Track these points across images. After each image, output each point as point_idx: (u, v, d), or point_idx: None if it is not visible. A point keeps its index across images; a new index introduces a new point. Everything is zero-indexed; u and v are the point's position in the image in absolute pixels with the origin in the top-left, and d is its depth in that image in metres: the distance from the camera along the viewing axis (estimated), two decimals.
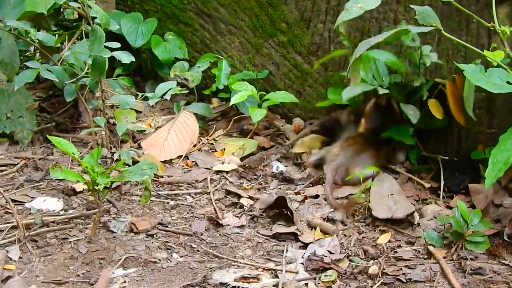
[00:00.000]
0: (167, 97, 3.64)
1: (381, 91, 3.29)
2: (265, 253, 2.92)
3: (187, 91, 3.93)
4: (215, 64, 3.96)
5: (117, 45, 3.36)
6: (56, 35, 3.86)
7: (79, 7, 3.36)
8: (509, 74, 2.79)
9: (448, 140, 3.39)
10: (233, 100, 3.64)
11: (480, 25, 3.13)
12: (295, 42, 3.82)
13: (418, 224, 3.08)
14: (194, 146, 3.73)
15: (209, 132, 3.89)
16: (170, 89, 3.65)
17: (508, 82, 2.74)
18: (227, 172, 3.54)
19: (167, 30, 4.16)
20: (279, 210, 3.16)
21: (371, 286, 2.69)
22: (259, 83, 3.90)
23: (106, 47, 3.31)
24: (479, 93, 3.23)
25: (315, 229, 3.05)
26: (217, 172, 3.54)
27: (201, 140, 3.80)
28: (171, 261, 2.84)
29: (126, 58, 3.38)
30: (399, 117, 3.40)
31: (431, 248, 2.89)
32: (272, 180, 3.48)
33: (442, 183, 3.33)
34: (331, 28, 3.66)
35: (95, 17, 3.27)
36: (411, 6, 2.84)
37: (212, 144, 3.79)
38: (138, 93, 3.85)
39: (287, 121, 3.93)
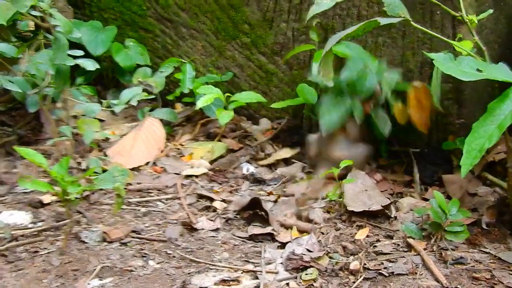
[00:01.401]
0: (133, 103, 3.53)
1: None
2: (243, 255, 2.83)
3: (151, 98, 3.83)
4: (178, 69, 3.87)
5: (80, 53, 3.26)
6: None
7: (39, 16, 3.24)
8: (479, 62, 2.74)
9: (418, 132, 3.33)
10: (199, 104, 3.55)
11: (445, 16, 3.10)
12: (258, 43, 3.75)
13: (395, 218, 3.02)
14: (161, 152, 3.63)
15: (176, 137, 3.80)
16: (135, 95, 3.54)
17: (478, 70, 2.70)
18: (197, 176, 3.45)
19: (128, 37, 4.06)
20: (253, 211, 3.08)
21: (353, 282, 2.62)
22: (224, 85, 3.82)
23: (69, 55, 3.19)
24: (446, 84, 3.19)
25: (291, 229, 2.97)
26: (187, 176, 3.45)
27: (168, 145, 3.70)
28: (147, 269, 2.73)
29: (91, 65, 3.27)
30: None
31: (410, 240, 2.83)
32: (243, 182, 3.41)
33: (417, 175, 3.28)
34: (294, 27, 3.60)
35: (57, 25, 3.15)
36: None
37: (179, 149, 3.70)
38: (102, 100, 3.74)
39: (253, 122, 3.85)
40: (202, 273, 2.70)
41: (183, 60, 3.85)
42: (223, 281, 2.65)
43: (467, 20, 2.80)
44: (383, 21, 2.74)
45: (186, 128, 3.87)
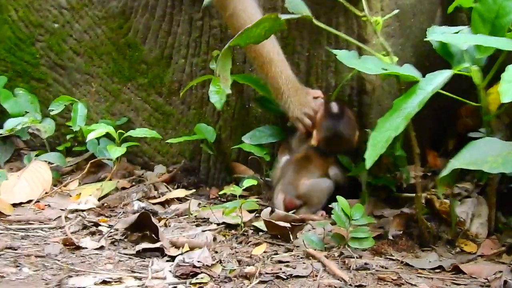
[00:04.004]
0: (18, 126, 3.31)
1: None
2: (129, 268, 2.57)
3: (39, 144, 3.64)
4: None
5: None
6: None
7: None
8: (383, 61, 2.69)
9: None
10: (89, 137, 3.37)
11: (352, 18, 3.06)
12: (155, 82, 3.63)
13: (296, 237, 2.82)
14: (46, 193, 3.39)
15: (64, 183, 3.56)
16: (20, 123, 3.33)
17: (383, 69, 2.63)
18: (83, 211, 3.19)
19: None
20: (142, 233, 2.83)
21: (247, 286, 2.38)
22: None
23: None
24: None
25: (183, 247, 2.74)
26: (73, 211, 3.19)
27: (54, 189, 3.46)
28: (21, 275, 2.46)
29: None
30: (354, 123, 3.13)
31: (310, 250, 2.63)
32: (134, 214, 3.16)
33: None
34: (193, 62, 3.49)
35: None
36: None
37: (67, 191, 3.46)
38: None
39: (148, 170, 3.66)
40: (81, 276, 2.42)
41: (75, 99, 3.67)
42: (104, 282, 2.38)
43: (372, 22, 2.74)
44: (283, 16, 2.65)
45: (75, 175, 3.64)
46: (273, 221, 2.82)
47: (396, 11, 2.93)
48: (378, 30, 2.76)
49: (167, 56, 3.58)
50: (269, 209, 2.94)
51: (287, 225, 2.80)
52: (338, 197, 2.69)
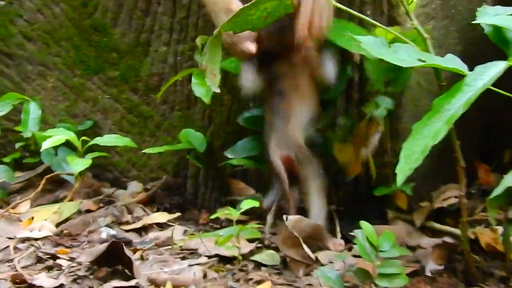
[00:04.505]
0: None
1: None
2: None
3: None
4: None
5: None
6: None
7: None
8: (419, 51, 2.74)
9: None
10: (44, 145, 3.43)
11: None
12: (129, 76, 3.70)
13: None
14: None
15: (12, 204, 3.63)
16: None
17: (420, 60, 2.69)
18: (36, 240, 3.26)
19: None
20: (112, 268, 2.90)
21: None
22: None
23: None
24: None
25: (164, 286, 2.80)
26: (24, 240, 3.26)
27: (0, 211, 3.53)
28: None
29: None
30: None
31: None
32: (102, 244, 3.24)
33: (338, 231, 3.20)
34: (178, 50, 3.56)
35: None
36: None
37: (16, 214, 3.53)
38: None
39: (120, 187, 3.72)
40: None
41: (26, 98, 3.74)
42: None
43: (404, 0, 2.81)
44: None
45: (26, 194, 3.71)
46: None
47: None
48: (412, 11, 2.82)
49: (144, 42, 3.65)
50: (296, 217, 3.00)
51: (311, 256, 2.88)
52: (362, 223, 2.76)
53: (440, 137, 2.51)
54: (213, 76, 2.75)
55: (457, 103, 2.56)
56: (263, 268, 2.96)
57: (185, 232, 3.37)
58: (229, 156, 3.36)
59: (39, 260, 3.09)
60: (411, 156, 2.54)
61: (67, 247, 3.22)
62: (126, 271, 2.87)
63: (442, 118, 2.56)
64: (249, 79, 3.17)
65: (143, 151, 3.57)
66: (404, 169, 2.52)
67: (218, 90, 2.84)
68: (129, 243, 3.23)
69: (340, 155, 3.28)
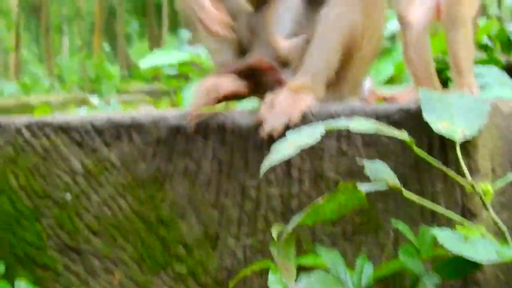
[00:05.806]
0: None
1: None
2: None
3: None
4: None
5: None
6: None
7: None
8: (499, 245, 2.65)
9: None
10: None
11: (454, 184, 3.07)
12: (197, 270, 3.62)
13: None
14: None
15: None
16: None
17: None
18: None
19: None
20: None
21: None
22: None
23: None
24: None
25: None
26: None
27: None
28: None
29: None
30: None
31: None
32: None
33: None
34: (246, 244, 3.50)
35: None
36: None
37: None
38: None
39: None
40: None
41: None
42: None
43: (480, 191, 2.74)
44: (364, 187, 2.67)
45: None
46: None
47: None
48: (488, 201, 2.75)
49: (212, 235, 3.59)
50: None
51: None
52: None
53: None
54: (288, 272, 2.72)
55: None
56: None
57: None
58: None
59: None
60: None
61: None
62: None
63: None
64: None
65: None
66: None
67: (294, 286, 2.77)
68: None
69: None
